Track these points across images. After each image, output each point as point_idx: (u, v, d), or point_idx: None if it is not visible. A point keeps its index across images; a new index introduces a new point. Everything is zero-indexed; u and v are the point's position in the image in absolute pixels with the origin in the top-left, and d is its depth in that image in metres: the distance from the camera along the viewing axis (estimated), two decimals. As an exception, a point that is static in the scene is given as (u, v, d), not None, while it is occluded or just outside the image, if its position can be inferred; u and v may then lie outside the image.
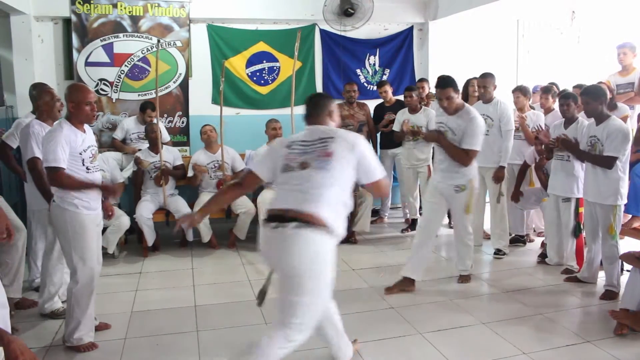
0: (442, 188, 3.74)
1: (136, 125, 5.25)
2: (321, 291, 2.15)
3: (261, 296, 2.33)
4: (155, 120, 4.87)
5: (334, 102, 2.45)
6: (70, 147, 2.77)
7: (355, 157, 2.24)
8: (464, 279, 3.94)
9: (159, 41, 4.98)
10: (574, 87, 4.69)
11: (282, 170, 2.28)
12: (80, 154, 2.82)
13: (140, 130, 5.19)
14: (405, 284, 3.77)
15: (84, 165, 2.85)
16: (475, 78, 5.03)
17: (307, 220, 2.09)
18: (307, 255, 2.08)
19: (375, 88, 6.35)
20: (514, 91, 4.80)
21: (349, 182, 2.26)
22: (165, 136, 5.35)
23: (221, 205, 2.29)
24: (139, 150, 5.00)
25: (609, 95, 4.29)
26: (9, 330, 2.25)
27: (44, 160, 2.77)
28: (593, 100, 3.53)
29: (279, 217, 2.14)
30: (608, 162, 3.46)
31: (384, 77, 6.41)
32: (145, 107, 5.15)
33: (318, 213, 2.11)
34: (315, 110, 2.43)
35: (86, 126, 2.95)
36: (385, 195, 2.33)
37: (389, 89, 5.60)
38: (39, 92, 3.49)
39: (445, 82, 3.59)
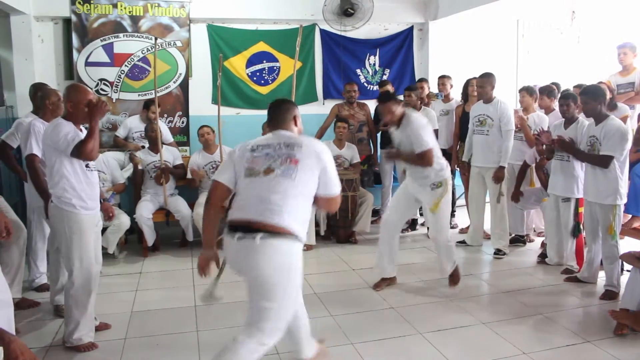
0: (417, 191, 3.71)
1: (139, 123, 5.23)
2: (291, 296, 2.15)
3: (206, 297, 2.42)
4: (157, 120, 4.86)
5: (297, 108, 2.43)
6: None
7: (320, 167, 2.21)
8: (452, 280, 3.78)
9: (156, 39, 4.98)
10: (574, 87, 4.69)
11: (246, 174, 2.22)
12: None
13: (143, 128, 5.18)
14: (389, 280, 3.87)
15: (84, 161, 2.85)
16: (475, 78, 5.04)
17: (273, 231, 2.08)
18: (276, 264, 2.07)
19: (375, 88, 6.36)
20: (520, 91, 4.80)
21: (312, 192, 2.21)
22: (169, 137, 5.34)
23: (216, 229, 2.28)
24: (142, 147, 5.00)
25: (609, 96, 4.29)
26: (14, 329, 2.27)
27: (66, 147, 2.72)
28: (592, 100, 3.53)
29: (242, 228, 2.11)
30: (604, 162, 3.46)
31: (384, 77, 6.41)
32: (149, 104, 5.13)
33: (282, 224, 2.09)
34: (279, 115, 2.38)
35: (82, 127, 2.95)
36: (333, 211, 2.36)
37: (390, 89, 5.59)
38: (46, 92, 3.53)
39: (384, 98, 3.63)
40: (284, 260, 2.09)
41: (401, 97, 5.40)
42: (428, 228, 5.32)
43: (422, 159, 3.51)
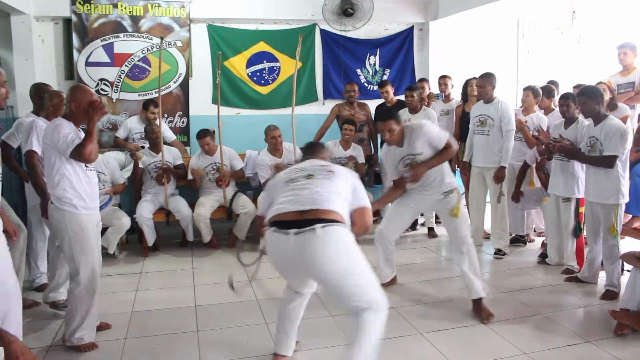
0: (423, 204, 3.54)
1: (139, 124, 5.21)
2: (364, 267, 2.25)
3: (231, 284, 2.65)
4: (158, 120, 4.85)
5: (329, 151, 2.89)
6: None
7: (352, 182, 2.45)
8: (484, 315, 3.26)
9: (162, 39, 4.97)
10: (574, 87, 4.68)
11: (286, 182, 2.42)
12: None
13: (142, 129, 5.18)
14: (389, 281, 3.85)
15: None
16: (474, 78, 5.04)
17: (328, 218, 2.19)
18: (343, 250, 2.18)
19: (375, 88, 6.36)
20: (525, 89, 4.77)
21: (348, 198, 2.38)
22: (171, 136, 5.32)
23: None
24: (142, 147, 4.99)
25: (609, 96, 4.29)
26: (21, 326, 2.29)
27: (65, 148, 2.72)
28: (590, 100, 3.53)
29: (294, 223, 2.19)
30: (609, 162, 3.46)
31: (384, 77, 6.41)
32: (148, 104, 5.11)
33: (334, 209, 2.24)
34: (314, 151, 2.77)
35: (80, 128, 2.95)
36: (366, 227, 2.44)
37: (390, 89, 5.58)
38: (50, 93, 3.55)
39: (386, 115, 3.39)
40: (347, 245, 2.21)
41: (402, 97, 5.42)
42: (429, 228, 5.33)
43: (451, 146, 3.34)
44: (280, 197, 2.36)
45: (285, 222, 2.21)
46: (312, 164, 2.55)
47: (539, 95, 4.73)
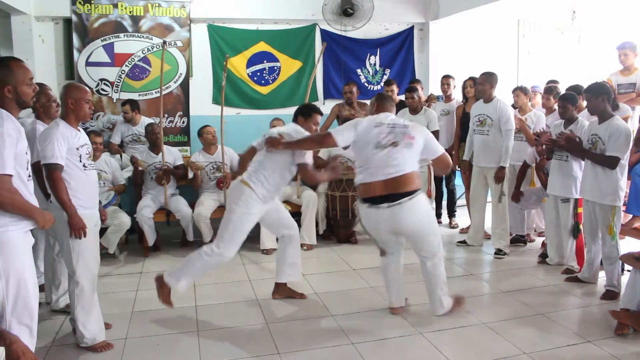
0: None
1: (127, 127, 5.24)
2: (435, 225, 3.17)
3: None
4: (153, 120, 4.86)
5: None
6: (68, 142, 2.79)
7: (425, 133, 3.10)
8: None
9: (164, 42, 4.96)
10: (567, 88, 4.63)
11: (375, 147, 2.99)
12: (78, 149, 2.83)
13: (131, 132, 5.21)
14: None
15: (81, 161, 2.84)
16: (470, 79, 5.05)
17: (412, 190, 2.94)
18: (425, 215, 3.05)
19: (376, 88, 6.37)
20: (514, 90, 4.80)
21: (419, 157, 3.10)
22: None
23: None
24: (123, 151, 5.02)
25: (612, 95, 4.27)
26: None
27: (42, 157, 2.76)
28: (594, 97, 3.52)
29: (384, 198, 2.93)
30: (612, 163, 3.44)
31: (385, 77, 6.41)
32: (123, 104, 5.18)
33: (413, 176, 2.98)
34: (385, 102, 3.33)
35: (79, 127, 2.96)
36: (448, 167, 3.21)
37: (395, 89, 5.56)
38: (37, 94, 3.50)
39: None
40: (425, 211, 3.06)
41: (402, 98, 5.42)
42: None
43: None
44: (369, 162, 3.00)
45: (376, 198, 2.95)
46: (392, 121, 3.10)
47: (529, 92, 4.76)
